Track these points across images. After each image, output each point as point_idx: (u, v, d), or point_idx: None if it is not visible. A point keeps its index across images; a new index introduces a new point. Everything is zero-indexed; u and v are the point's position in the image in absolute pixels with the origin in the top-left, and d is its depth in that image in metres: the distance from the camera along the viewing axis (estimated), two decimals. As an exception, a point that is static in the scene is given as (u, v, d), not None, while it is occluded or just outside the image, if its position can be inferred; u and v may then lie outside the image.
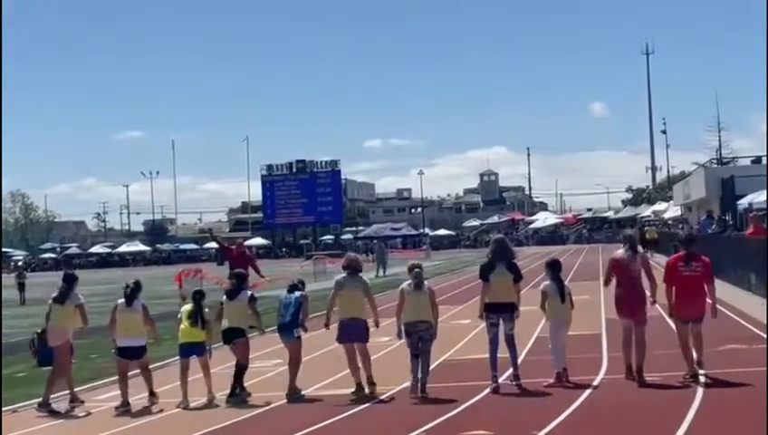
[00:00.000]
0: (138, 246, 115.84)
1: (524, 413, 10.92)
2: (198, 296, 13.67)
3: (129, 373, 13.51)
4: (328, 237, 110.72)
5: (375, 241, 62.85)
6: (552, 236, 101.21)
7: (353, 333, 12.85)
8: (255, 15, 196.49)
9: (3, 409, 13.45)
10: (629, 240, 12.97)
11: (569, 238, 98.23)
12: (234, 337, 13.23)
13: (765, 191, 29.24)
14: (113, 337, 13.59)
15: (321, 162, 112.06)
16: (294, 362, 13.16)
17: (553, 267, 13.14)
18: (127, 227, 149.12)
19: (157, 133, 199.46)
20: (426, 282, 12.95)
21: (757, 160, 52.48)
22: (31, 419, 12.94)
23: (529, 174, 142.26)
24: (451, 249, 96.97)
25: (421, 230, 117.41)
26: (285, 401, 12.77)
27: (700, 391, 11.31)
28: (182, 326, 13.36)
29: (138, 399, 13.29)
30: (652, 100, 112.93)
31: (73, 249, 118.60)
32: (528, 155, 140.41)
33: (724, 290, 24.73)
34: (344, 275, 13.23)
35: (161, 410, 12.91)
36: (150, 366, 14.10)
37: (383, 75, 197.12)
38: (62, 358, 13.66)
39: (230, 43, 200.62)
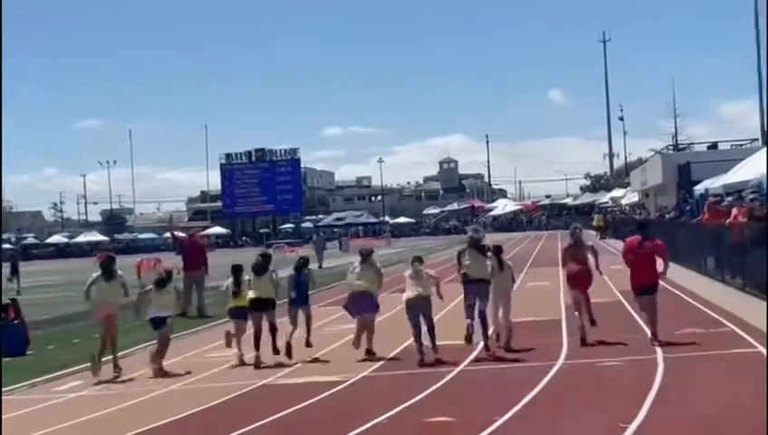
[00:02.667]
0: (95, 236, 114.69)
1: (487, 399, 10.95)
2: (237, 270, 15.55)
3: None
4: (288, 226, 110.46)
5: (315, 232, 61.07)
6: (511, 222, 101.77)
7: (363, 305, 14.64)
8: (212, 2, 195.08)
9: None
10: (575, 233, 15.49)
11: (528, 225, 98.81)
12: (265, 307, 14.92)
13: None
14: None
15: (280, 150, 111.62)
16: (307, 321, 15.44)
17: (496, 250, 14.76)
18: (84, 217, 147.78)
19: (114, 122, 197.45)
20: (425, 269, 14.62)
21: (713, 146, 52.93)
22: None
23: (488, 161, 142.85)
24: (411, 237, 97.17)
25: (381, 218, 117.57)
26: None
27: (659, 373, 11.40)
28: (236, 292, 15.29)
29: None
30: (609, 87, 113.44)
31: (30, 240, 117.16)
32: (487, 142, 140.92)
33: (681, 275, 25.03)
34: (359, 260, 15.15)
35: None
36: (109, 356, 14.80)
37: (341, 63, 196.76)
38: (110, 329, 15.02)
39: (187, 30, 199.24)
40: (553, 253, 41.28)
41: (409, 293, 14.04)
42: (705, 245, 24.80)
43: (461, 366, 12.98)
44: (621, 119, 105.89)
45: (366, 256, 15.26)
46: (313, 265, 21.17)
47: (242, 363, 14.77)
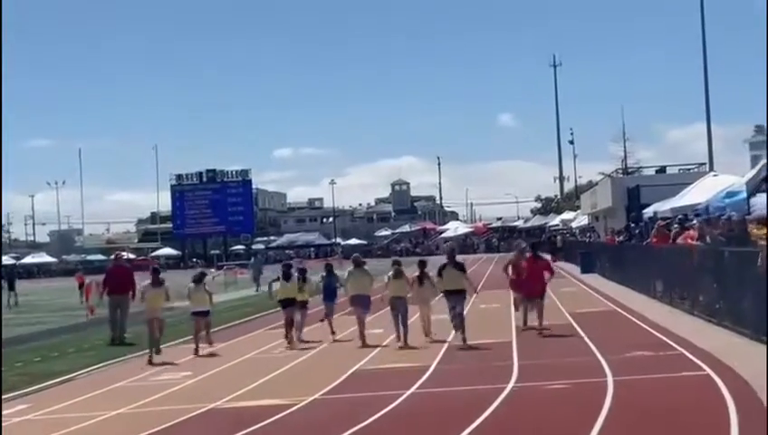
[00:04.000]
0: (43, 258, 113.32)
1: (438, 421, 10.89)
2: (303, 272, 20.74)
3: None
4: (239, 247, 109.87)
5: (253, 255, 58.79)
6: (462, 245, 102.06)
7: (362, 304, 18.84)
8: (161, 24, 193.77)
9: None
10: (519, 247, 21.61)
11: (479, 247, 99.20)
12: (291, 304, 19.65)
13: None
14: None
15: (231, 172, 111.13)
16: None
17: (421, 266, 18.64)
18: (32, 238, 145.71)
19: (63, 142, 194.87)
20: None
21: (661, 170, 53.60)
22: None
23: (440, 184, 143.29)
24: (363, 258, 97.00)
25: (333, 240, 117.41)
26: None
27: (609, 396, 11.44)
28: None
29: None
30: (560, 111, 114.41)
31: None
32: (439, 165, 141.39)
33: (629, 297, 25.31)
34: (353, 267, 19.75)
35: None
36: (54, 380, 15.09)
37: (292, 85, 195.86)
38: (158, 325, 18.86)
39: (137, 51, 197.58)
40: (504, 275, 41.44)
41: (392, 292, 18.22)
42: (654, 268, 25.02)
43: (412, 388, 12.94)
44: (572, 142, 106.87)
45: (359, 263, 19.79)
46: (250, 290, 23.12)
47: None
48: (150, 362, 18.17)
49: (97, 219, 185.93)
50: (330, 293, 20.76)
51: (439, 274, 17.85)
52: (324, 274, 21.44)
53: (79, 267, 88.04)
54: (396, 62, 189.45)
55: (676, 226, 24.64)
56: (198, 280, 20.15)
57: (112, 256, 28.14)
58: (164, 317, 19.58)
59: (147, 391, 14.71)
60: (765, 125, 43.92)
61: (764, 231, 15.92)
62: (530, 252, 20.31)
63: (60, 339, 24.15)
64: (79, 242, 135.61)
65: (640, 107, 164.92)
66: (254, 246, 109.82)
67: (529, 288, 19.15)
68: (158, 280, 19.53)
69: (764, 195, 19.52)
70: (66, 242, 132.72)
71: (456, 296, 17.62)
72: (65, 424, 12.52)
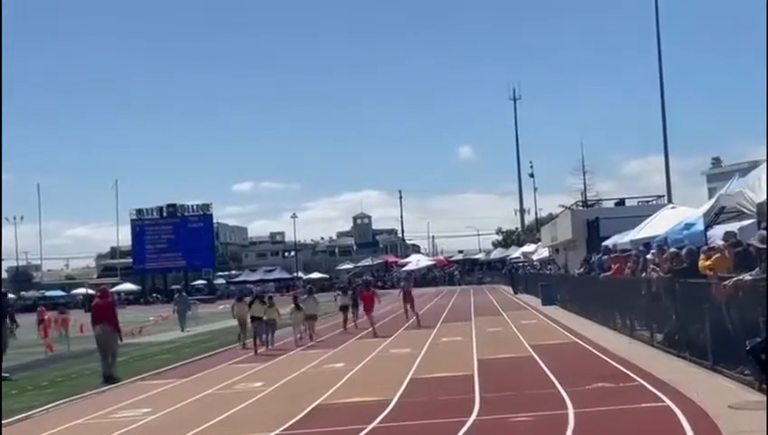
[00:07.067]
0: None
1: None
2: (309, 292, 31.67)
3: None
4: (200, 282, 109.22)
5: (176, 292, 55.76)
6: (424, 277, 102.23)
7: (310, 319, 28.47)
8: (120, 58, 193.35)
9: None
10: (406, 278, 47.56)
11: (441, 280, 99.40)
12: (312, 318, 28.72)
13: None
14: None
15: (192, 206, 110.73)
16: (356, 314, 33.09)
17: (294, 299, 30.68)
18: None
19: (21, 177, 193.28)
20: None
21: (620, 202, 54.03)
22: None
23: (401, 217, 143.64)
24: (325, 292, 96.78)
25: (295, 274, 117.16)
26: None
27: (570, 428, 11.47)
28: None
29: None
30: (519, 143, 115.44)
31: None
32: (400, 198, 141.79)
33: (590, 329, 25.42)
34: (305, 296, 30.29)
35: None
36: (11, 418, 14.88)
37: (252, 118, 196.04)
38: (244, 326, 27.93)
39: (96, 85, 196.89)
40: (465, 308, 41.55)
41: (255, 314, 26.78)
42: (613, 300, 25.14)
43: (374, 423, 12.89)
44: (532, 175, 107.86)
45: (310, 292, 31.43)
46: (175, 331, 23.72)
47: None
48: (244, 347, 27.04)
49: (56, 255, 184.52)
50: (355, 303, 33.15)
51: (249, 306, 27.52)
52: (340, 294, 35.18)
53: (40, 302, 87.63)
54: (355, 95, 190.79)
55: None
56: (255, 298, 29.86)
57: (98, 292, 26.99)
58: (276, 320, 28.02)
59: (105, 428, 14.50)
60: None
61: (709, 263, 16.05)
62: (363, 286, 34.53)
63: (17, 376, 23.83)
64: (37, 278, 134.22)
65: (599, 139, 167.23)
66: (215, 281, 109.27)
67: (367, 307, 31.21)
68: (242, 299, 30.18)
69: (721, 226, 19.73)
70: (24, 278, 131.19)
71: (262, 323, 26.55)
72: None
